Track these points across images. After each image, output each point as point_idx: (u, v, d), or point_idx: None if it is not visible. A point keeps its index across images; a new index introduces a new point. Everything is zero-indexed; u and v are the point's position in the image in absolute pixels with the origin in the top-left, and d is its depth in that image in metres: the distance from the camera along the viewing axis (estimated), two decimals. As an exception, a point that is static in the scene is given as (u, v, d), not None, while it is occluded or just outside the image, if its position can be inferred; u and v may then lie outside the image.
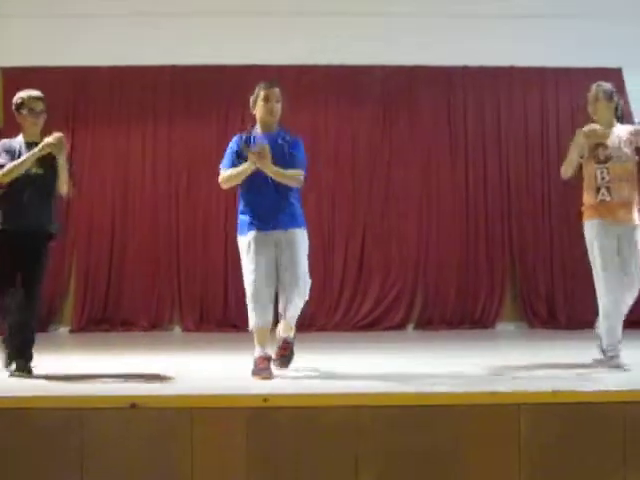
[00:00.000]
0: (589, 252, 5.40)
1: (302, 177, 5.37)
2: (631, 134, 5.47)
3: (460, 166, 9.30)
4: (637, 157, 5.48)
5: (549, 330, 8.88)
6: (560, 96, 9.37)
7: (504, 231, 9.27)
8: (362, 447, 3.95)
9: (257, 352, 5.18)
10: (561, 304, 9.15)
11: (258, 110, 5.44)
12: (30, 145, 5.08)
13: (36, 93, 5.20)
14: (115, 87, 9.10)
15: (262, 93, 5.40)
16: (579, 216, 5.54)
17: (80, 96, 9.10)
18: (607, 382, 4.56)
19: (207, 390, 4.37)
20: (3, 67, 8.97)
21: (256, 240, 5.23)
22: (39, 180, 5.04)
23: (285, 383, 4.76)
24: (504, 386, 4.36)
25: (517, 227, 9.28)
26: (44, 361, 5.27)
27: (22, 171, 4.97)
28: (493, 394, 4.16)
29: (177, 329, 9.09)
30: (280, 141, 5.36)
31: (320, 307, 8.97)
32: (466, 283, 9.20)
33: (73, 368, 5.22)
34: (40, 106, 5.17)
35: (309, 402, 4.08)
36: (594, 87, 5.77)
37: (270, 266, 5.25)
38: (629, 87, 9.20)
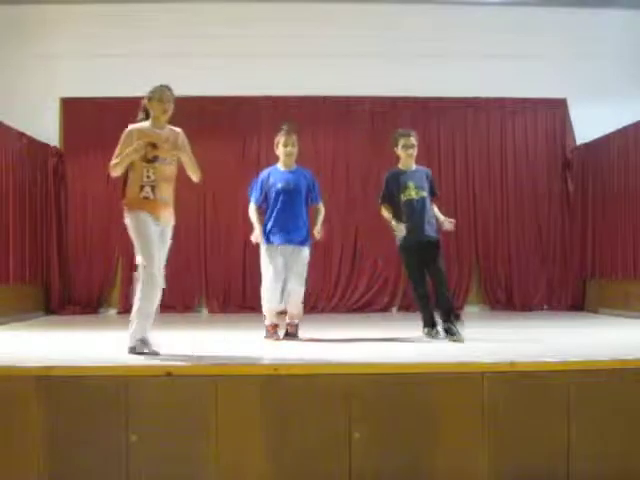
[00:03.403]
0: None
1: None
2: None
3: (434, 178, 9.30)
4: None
5: (506, 312, 8.89)
6: (516, 121, 9.38)
7: (470, 233, 9.26)
8: (354, 409, 3.94)
9: (267, 321, 5.50)
10: (516, 291, 9.16)
11: (280, 153, 5.73)
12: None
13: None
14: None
15: (282, 140, 5.66)
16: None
17: (123, 122, 9.03)
18: (554, 354, 4.55)
19: (229, 361, 4.37)
20: (62, 97, 8.98)
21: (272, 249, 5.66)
22: None
23: (292, 355, 4.75)
24: (471, 358, 4.35)
25: (481, 230, 9.28)
26: (97, 337, 5.27)
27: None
28: (461, 364, 4.15)
29: (204, 311, 9.10)
30: (302, 177, 5.74)
31: (320, 293, 9.02)
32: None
33: (120, 343, 5.20)
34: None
35: (311, 370, 4.06)
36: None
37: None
38: (573, 115, 9.27)
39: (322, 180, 8.73)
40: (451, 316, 5.50)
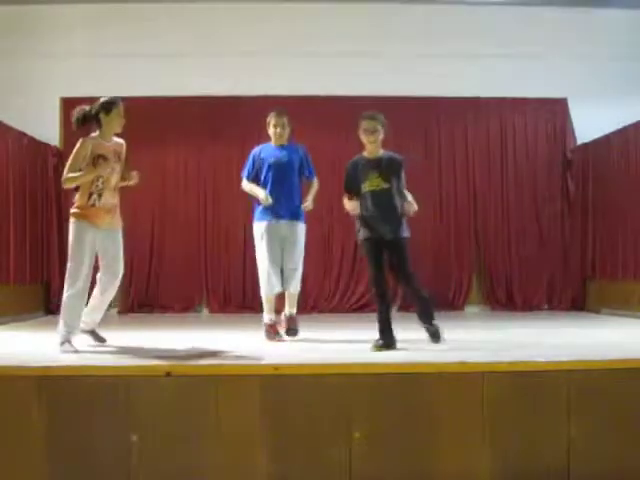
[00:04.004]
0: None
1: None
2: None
3: (434, 178, 9.30)
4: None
5: (507, 312, 8.89)
6: (516, 121, 9.39)
7: (470, 233, 9.27)
8: (354, 409, 3.94)
9: (266, 319, 5.38)
10: (517, 291, 9.17)
11: (270, 133, 5.75)
12: None
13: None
14: (152, 114, 9.03)
15: (272, 121, 5.75)
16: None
17: (125, 121, 9.04)
18: (555, 353, 4.55)
19: (229, 361, 4.37)
20: (63, 97, 8.97)
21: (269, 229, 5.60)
22: None
23: (292, 354, 4.76)
24: (471, 357, 4.35)
25: (481, 230, 9.28)
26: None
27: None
28: (462, 364, 4.15)
29: (204, 311, 9.10)
30: (294, 152, 5.76)
31: (320, 293, 9.03)
32: (440, 274, 9.18)
33: (121, 342, 5.20)
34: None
35: (312, 370, 4.05)
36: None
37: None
38: (573, 114, 9.27)
39: (322, 180, 8.78)
40: (432, 320, 5.14)
